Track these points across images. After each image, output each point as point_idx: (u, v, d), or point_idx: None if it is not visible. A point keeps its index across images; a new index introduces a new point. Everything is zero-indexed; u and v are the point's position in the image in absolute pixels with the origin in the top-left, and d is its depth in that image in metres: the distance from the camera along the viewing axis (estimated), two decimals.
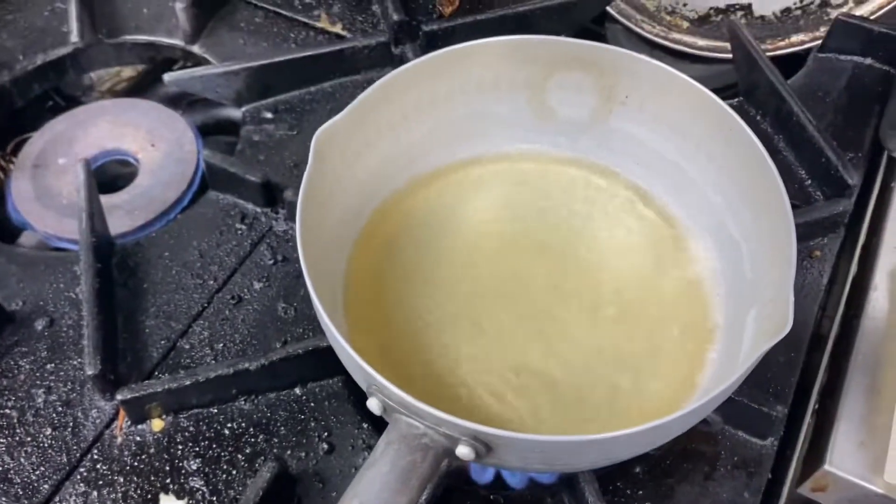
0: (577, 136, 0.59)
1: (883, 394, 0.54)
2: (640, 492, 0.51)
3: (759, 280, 0.49)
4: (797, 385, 0.56)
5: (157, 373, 0.56)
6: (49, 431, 0.53)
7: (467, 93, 0.56)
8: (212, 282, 0.61)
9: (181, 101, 0.82)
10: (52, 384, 0.55)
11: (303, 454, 0.53)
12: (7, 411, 0.54)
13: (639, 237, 0.56)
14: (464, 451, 0.39)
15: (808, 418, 0.55)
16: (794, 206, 0.62)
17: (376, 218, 0.57)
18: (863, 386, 0.54)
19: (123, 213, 0.67)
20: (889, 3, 0.74)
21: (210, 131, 0.79)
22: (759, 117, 0.70)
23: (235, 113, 0.73)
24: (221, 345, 0.57)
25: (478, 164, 0.60)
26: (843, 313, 0.60)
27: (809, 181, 0.65)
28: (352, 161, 0.53)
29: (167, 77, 0.70)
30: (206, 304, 0.59)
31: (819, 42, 0.74)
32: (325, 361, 0.52)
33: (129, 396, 0.52)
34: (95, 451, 0.52)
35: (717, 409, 0.50)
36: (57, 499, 0.51)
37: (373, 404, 0.41)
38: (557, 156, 0.60)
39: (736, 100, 0.72)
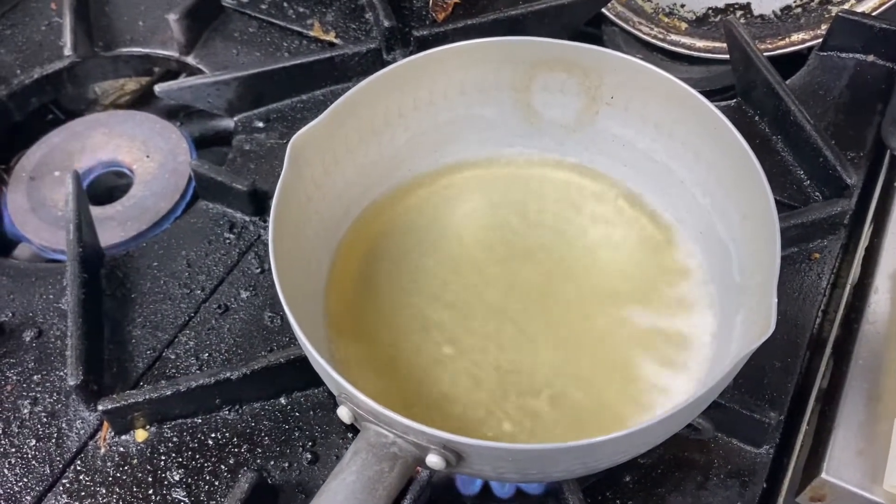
0: (563, 138, 0.58)
1: (883, 400, 0.52)
2: (630, 502, 0.50)
3: (746, 283, 0.47)
4: (795, 391, 0.54)
5: (142, 383, 0.55)
6: (33, 442, 0.53)
7: (450, 97, 0.56)
8: (199, 291, 0.60)
9: (179, 114, 0.82)
10: (38, 395, 0.55)
11: (286, 464, 0.52)
12: None
13: (627, 242, 0.55)
14: (434, 460, 0.38)
15: (804, 425, 0.53)
16: (791, 208, 0.62)
17: (359, 224, 0.56)
18: (862, 392, 0.53)
19: (116, 225, 0.67)
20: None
21: (208, 143, 0.80)
22: (756, 118, 0.68)
23: (231, 123, 0.73)
24: (207, 354, 0.57)
25: (463, 168, 0.59)
26: (843, 317, 0.58)
27: (808, 182, 0.64)
28: (331, 167, 0.52)
29: (158, 88, 0.70)
30: (192, 314, 0.59)
31: (820, 40, 0.73)
32: (310, 371, 0.51)
33: (110, 407, 0.51)
34: (79, 462, 0.52)
35: (708, 416, 0.49)
36: None
37: (343, 413, 0.40)
38: (544, 159, 0.59)
39: (734, 100, 0.70)
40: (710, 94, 0.72)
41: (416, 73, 0.53)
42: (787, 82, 0.68)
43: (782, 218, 0.58)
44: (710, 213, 0.52)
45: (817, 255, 0.60)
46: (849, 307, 0.59)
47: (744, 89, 0.69)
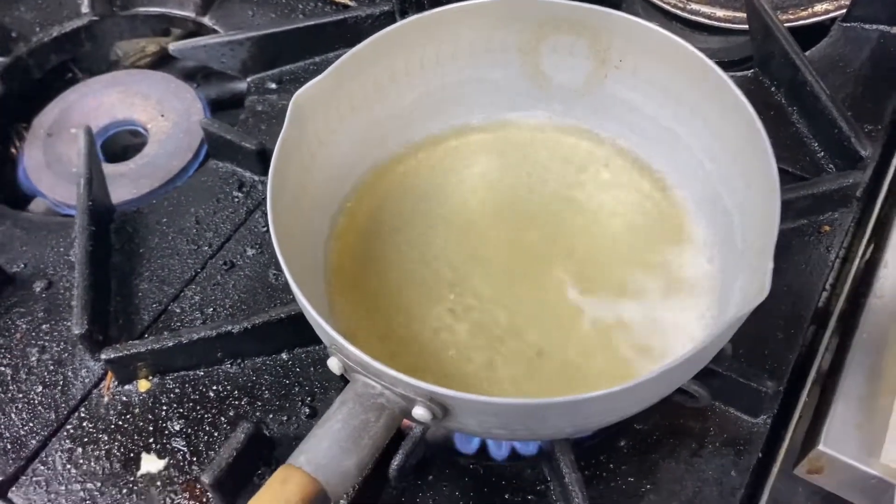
0: (572, 102, 0.57)
1: (885, 376, 0.51)
2: (623, 466, 0.50)
3: (748, 249, 0.47)
4: (796, 363, 0.53)
5: (146, 335, 0.56)
6: (40, 389, 0.54)
7: (457, 58, 0.55)
8: (206, 248, 0.61)
9: (196, 76, 0.83)
10: (45, 343, 0.56)
11: (284, 418, 0.53)
12: (2, 368, 0.55)
13: (632, 207, 0.55)
14: (420, 412, 0.38)
15: (804, 397, 0.52)
16: (803, 179, 0.61)
17: (364, 185, 0.56)
18: (864, 366, 0.52)
19: (128, 182, 0.68)
20: None
21: (224, 105, 0.80)
22: (773, 88, 0.67)
23: (245, 86, 0.73)
24: (211, 309, 0.58)
25: (470, 131, 0.59)
26: (850, 290, 0.57)
27: (822, 153, 0.62)
28: (336, 125, 0.52)
29: (172, 47, 0.70)
30: (199, 270, 0.60)
31: (843, 11, 0.71)
32: (311, 327, 0.52)
33: (113, 356, 0.52)
34: (83, 409, 0.53)
35: (705, 384, 0.49)
36: (43, 454, 0.52)
37: (332, 364, 0.41)
38: (552, 123, 0.58)
39: (750, 71, 0.69)
40: (728, 65, 0.71)
41: (423, 31, 0.53)
42: (807, 54, 0.67)
43: (793, 188, 0.57)
44: (715, 181, 0.51)
45: (827, 228, 0.59)
46: (857, 281, 0.58)
47: (761, 60, 0.68)
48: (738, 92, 0.47)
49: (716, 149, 0.51)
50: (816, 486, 0.53)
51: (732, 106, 0.48)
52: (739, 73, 0.69)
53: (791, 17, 0.73)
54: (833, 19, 0.72)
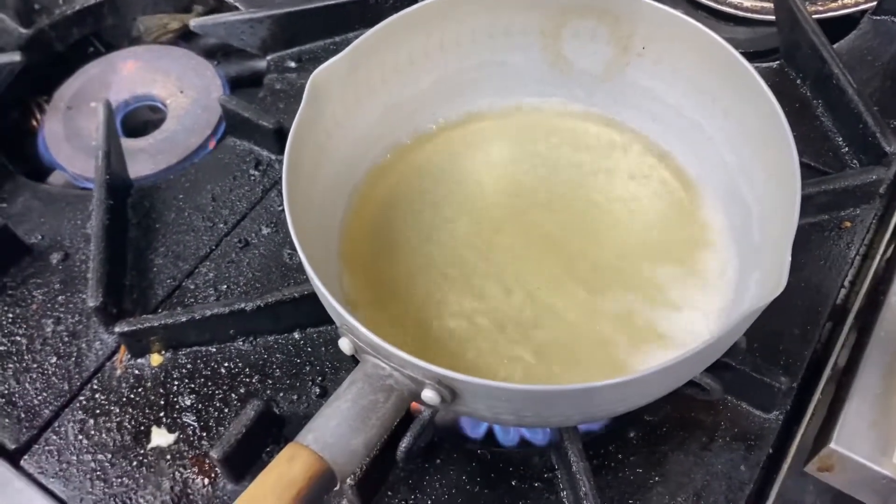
0: (592, 88, 0.57)
1: None
2: (632, 457, 0.50)
3: (765, 243, 0.46)
4: (812, 359, 0.53)
5: (160, 310, 0.57)
6: (54, 360, 0.55)
7: (477, 40, 0.55)
8: (222, 225, 0.61)
9: (217, 54, 0.83)
10: (61, 315, 0.57)
11: (295, 396, 0.53)
12: (17, 338, 0.56)
13: (650, 197, 0.54)
14: (429, 395, 0.38)
15: (818, 394, 0.52)
16: (825, 174, 0.60)
17: (380, 168, 0.56)
18: (881, 364, 0.51)
19: (147, 157, 0.68)
20: None
21: (244, 84, 0.80)
22: (798, 81, 0.66)
23: (265, 64, 0.73)
24: (225, 286, 0.58)
25: (488, 116, 0.58)
26: (870, 288, 0.56)
27: (846, 148, 0.61)
28: (352, 106, 0.52)
29: (193, 23, 0.70)
30: (214, 247, 0.60)
31: (874, 3, 0.70)
32: (324, 307, 0.52)
33: (126, 329, 0.53)
34: (95, 381, 0.54)
35: (718, 377, 0.48)
36: (56, 424, 0.52)
37: (343, 344, 0.41)
38: (572, 110, 0.58)
39: (776, 62, 0.68)
40: (754, 56, 0.70)
41: (443, 13, 0.52)
42: (835, 46, 0.66)
43: (814, 183, 0.57)
44: (735, 172, 0.50)
45: (848, 224, 0.58)
46: (877, 279, 0.57)
47: (787, 51, 0.67)
48: (762, 83, 0.46)
49: (737, 140, 0.50)
50: (826, 484, 0.53)
51: (756, 97, 0.47)
52: (764, 65, 0.68)
53: (820, 8, 0.72)
54: (863, 12, 0.71)
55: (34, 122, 0.75)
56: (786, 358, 0.52)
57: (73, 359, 0.55)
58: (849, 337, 0.54)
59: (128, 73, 0.75)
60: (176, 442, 0.51)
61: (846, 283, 0.56)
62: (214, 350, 0.55)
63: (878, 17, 0.70)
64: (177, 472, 0.50)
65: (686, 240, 0.52)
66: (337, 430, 0.37)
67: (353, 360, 0.53)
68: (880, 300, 0.55)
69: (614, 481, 0.49)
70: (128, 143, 0.68)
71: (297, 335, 0.55)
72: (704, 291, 0.50)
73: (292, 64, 0.71)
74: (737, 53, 0.48)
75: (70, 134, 0.71)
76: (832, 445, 0.49)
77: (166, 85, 0.74)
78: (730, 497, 0.48)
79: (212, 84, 0.74)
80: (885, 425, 0.49)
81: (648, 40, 0.52)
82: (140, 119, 0.75)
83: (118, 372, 0.54)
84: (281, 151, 0.64)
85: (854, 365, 0.52)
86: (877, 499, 0.49)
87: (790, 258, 0.39)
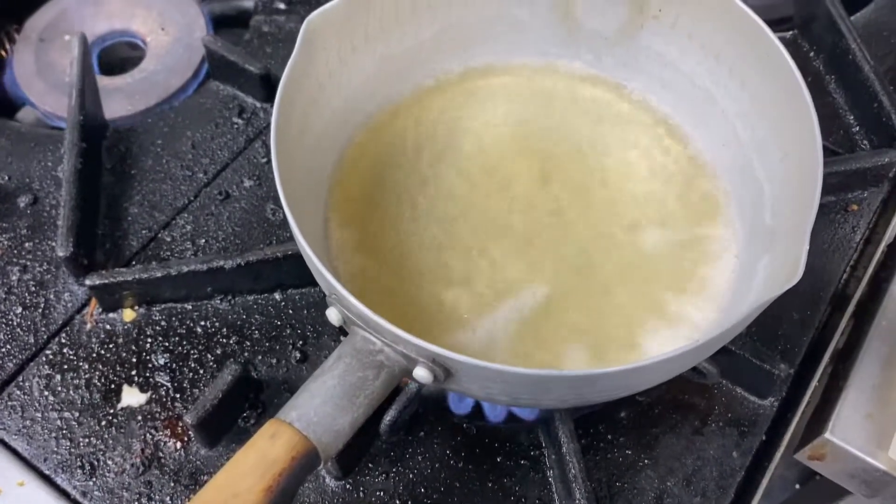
0: (602, 51, 0.54)
1: None
2: (622, 438, 0.48)
3: (777, 226, 0.44)
4: (810, 345, 0.51)
5: (134, 262, 0.54)
6: (20, 310, 0.52)
7: None
8: (201, 174, 0.58)
9: None
10: (27, 263, 0.54)
11: (274, 360, 0.50)
12: None
13: (655, 169, 0.52)
14: (422, 373, 0.36)
15: (814, 382, 0.50)
16: (835, 154, 0.58)
17: (374, 123, 0.53)
18: (881, 354, 0.50)
19: (123, 97, 0.64)
20: None
21: (229, 23, 0.75)
22: (812, 54, 0.64)
23: (252, 4, 0.69)
24: (203, 240, 0.55)
25: (490, 74, 0.55)
26: (872, 274, 0.55)
27: (858, 128, 0.59)
28: (348, 55, 0.48)
29: None
30: (192, 198, 0.57)
31: None
32: (307, 268, 0.49)
33: (98, 282, 0.50)
34: (63, 334, 0.51)
35: (715, 361, 0.47)
36: (20, 378, 0.49)
37: (331, 314, 0.38)
38: (579, 73, 0.55)
39: (789, 33, 0.65)
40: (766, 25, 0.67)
41: None
42: (852, 18, 0.63)
43: (825, 164, 0.54)
44: (748, 148, 0.48)
45: (855, 207, 0.56)
46: (879, 265, 0.55)
47: (802, 21, 0.64)
48: (787, 56, 0.43)
49: (752, 114, 0.48)
50: (811, 471, 0.52)
51: (777, 70, 0.44)
52: (777, 35, 0.65)
53: None
54: None
55: (2, 53, 0.70)
56: (784, 343, 0.51)
57: (40, 310, 0.52)
58: (848, 324, 0.53)
59: (106, 6, 0.70)
60: (148, 402, 0.49)
61: (849, 269, 0.54)
62: (190, 307, 0.52)
63: None
64: (148, 434, 0.48)
65: (691, 217, 0.50)
66: (322, 409, 0.35)
67: (341, 331, 0.51)
68: (882, 287, 0.53)
69: (603, 462, 0.48)
70: (104, 81, 0.64)
71: (277, 296, 0.53)
72: (708, 271, 0.48)
73: (282, 5, 0.67)
74: (761, 22, 0.45)
75: (42, 68, 0.66)
76: (827, 436, 0.48)
77: (147, 21, 0.70)
78: (721, 483, 0.47)
79: (195, 23, 0.69)
80: (882, 418, 0.47)
81: (665, 2, 0.49)
82: (117, 56, 0.70)
83: (88, 326, 0.51)
84: (267, 99, 0.61)
85: (852, 354, 0.51)
86: (867, 490, 0.49)
87: (808, 246, 0.37)
